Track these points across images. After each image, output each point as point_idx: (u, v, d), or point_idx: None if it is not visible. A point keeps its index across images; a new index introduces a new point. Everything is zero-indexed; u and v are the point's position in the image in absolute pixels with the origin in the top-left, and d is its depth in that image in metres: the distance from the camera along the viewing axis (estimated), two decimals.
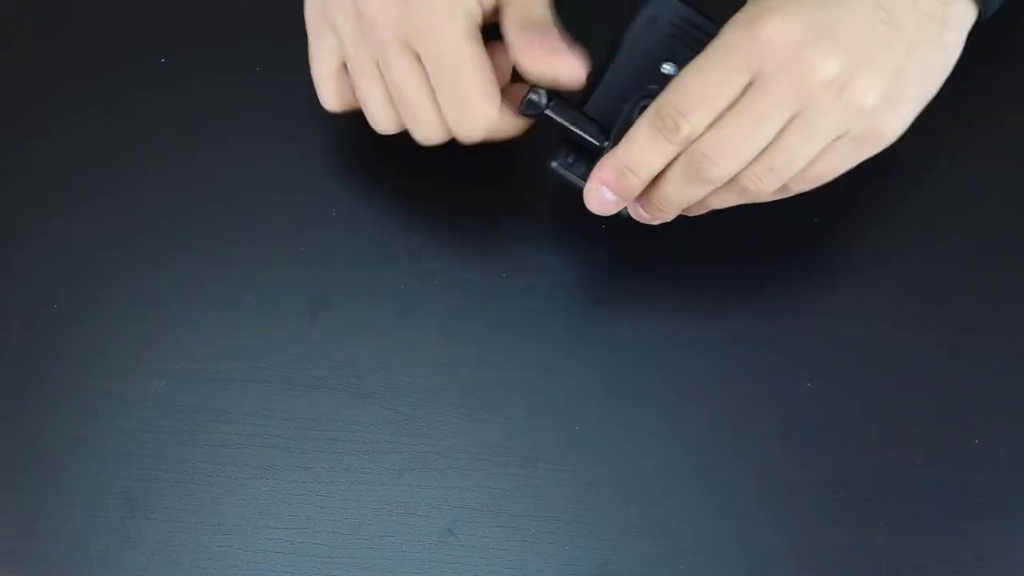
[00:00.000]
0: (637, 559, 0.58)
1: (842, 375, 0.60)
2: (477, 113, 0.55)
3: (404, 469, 0.59)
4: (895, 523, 0.58)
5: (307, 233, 0.63)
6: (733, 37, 0.51)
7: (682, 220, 0.57)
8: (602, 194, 0.55)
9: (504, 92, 0.56)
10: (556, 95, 0.55)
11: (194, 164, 0.65)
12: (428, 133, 0.57)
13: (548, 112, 0.55)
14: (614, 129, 0.55)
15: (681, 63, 0.54)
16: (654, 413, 0.60)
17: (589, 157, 0.56)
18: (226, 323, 0.62)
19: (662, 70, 0.56)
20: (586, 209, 0.57)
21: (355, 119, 0.63)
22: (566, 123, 0.55)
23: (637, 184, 0.54)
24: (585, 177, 0.56)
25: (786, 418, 0.59)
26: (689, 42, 0.56)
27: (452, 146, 0.61)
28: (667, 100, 0.52)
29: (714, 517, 0.58)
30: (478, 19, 0.55)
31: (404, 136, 0.63)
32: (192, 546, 0.59)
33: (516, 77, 0.57)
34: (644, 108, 0.54)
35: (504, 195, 0.62)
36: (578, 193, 0.56)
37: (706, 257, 0.62)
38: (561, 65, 0.55)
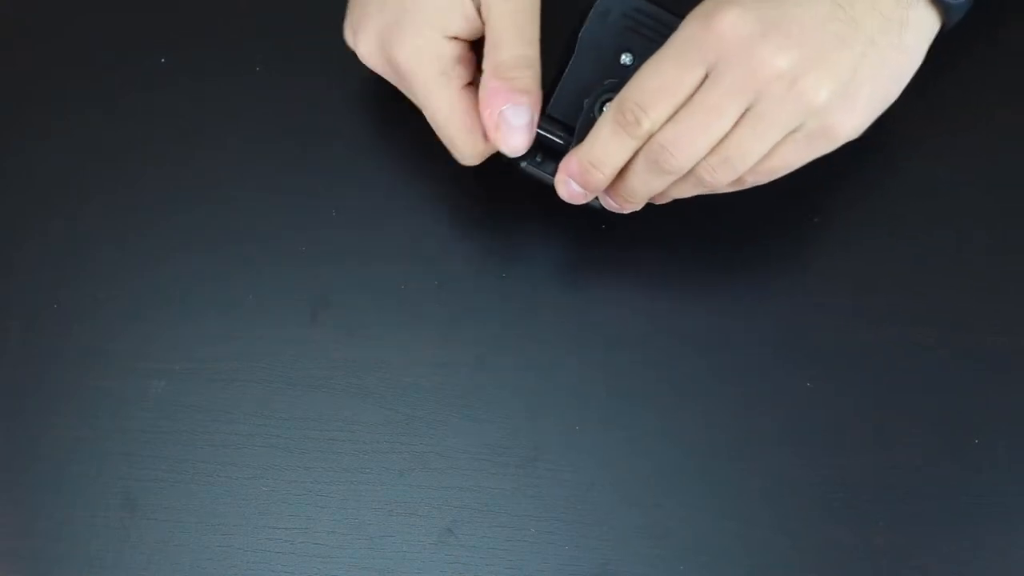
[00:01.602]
0: (637, 559, 0.58)
1: (842, 375, 0.60)
2: (464, 150, 0.57)
3: (404, 469, 0.59)
4: (895, 523, 0.58)
5: (307, 233, 0.63)
6: (690, 31, 0.52)
7: (682, 221, 0.57)
8: (570, 187, 0.56)
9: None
10: None
11: (194, 164, 0.65)
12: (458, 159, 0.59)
13: None
14: (577, 125, 0.56)
15: (638, 53, 0.56)
16: (654, 413, 0.60)
17: (556, 155, 0.57)
18: (226, 323, 0.62)
19: (621, 61, 0.57)
20: (586, 209, 0.57)
21: (355, 119, 0.64)
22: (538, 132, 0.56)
23: (602, 178, 0.55)
24: (554, 173, 0.57)
25: (786, 418, 0.59)
26: (645, 31, 0.57)
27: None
28: (628, 95, 0.53)
29: (715, 517, 0.58)
30: (449, 55, 0.56)
31: (402, 137, 0.64)
32: (192, 546, 0.59)
33: None
34: (604, 103, 0.55)
35: (504, 195, 0.62)
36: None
37: (706, 257, 0.62)
38: (501, 141, 0.56)
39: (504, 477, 0.59)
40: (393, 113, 0.65)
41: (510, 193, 0.61)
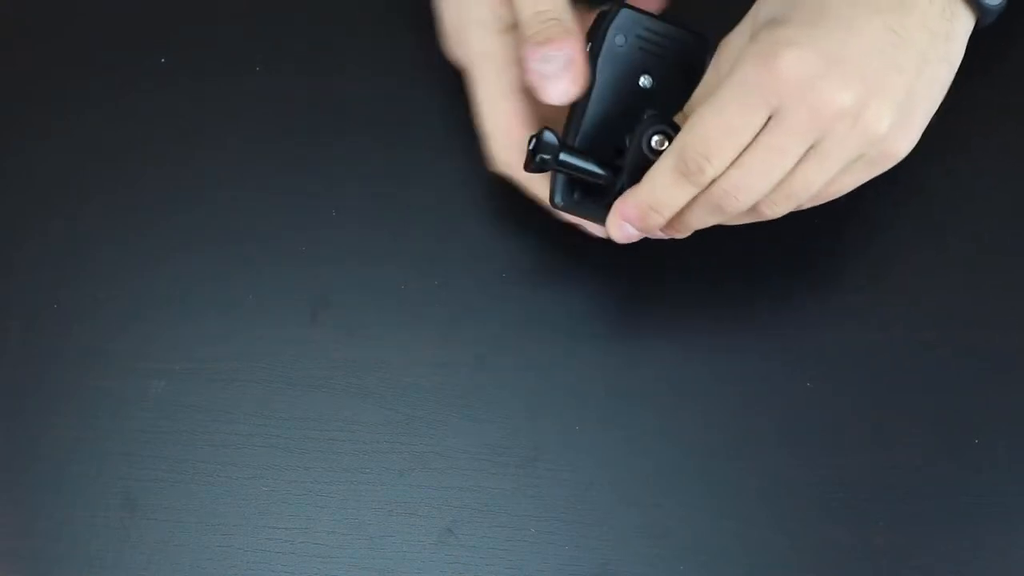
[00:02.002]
0: (637, 559, 0.58)
1: (842, 375, 0.60)
2: (494, 151, 0.58)
3: (404, 469, 0.59)
4: (895, 523, 0.58)
5: (307, 233, 0.63)
6: (749, 73, 0.51)
7: None
8: (626, 230, 0.55)
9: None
10: (559, 143, 0.54)
11: (194, 164, 0.65)
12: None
13: (557, 167, 0.55)
14: (626, 164, 0.55)
15: (657, 75, 0.55)
16: (654, 413, 0.60)
17: (596, 192, 0.56)
18: (226, 323, 0.62)
19: (640, 84, 0.56)
20: None
21: (355, 119, 0.64)
22: (574, 171, 0.55)
23: (661, 221, 0.54)
24: (594, 212, 0.56)
25: (786, 418, 0.59)
26: (659, 51, 0.56)
27: (451, 147, 0.61)
28: (689, 144, 0.52)
29: (714, 517, 0.58)
30: (505, 52, 0.57)
31: (403, 137, 0.64)
32: (192, 546, 0.59)
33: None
34: (652, 135, 0.54)
35: (504, 195, 0.62)
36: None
37: (706, 257, 0.61)
38: (545, 95, 0.55)
39: (504, 477, 0.59)
40: (394, 113, 0.65)
41: (510, 193, 0.61)
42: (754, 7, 0.55)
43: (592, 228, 0.59)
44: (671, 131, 0.54)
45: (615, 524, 0.58)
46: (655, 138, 0.54)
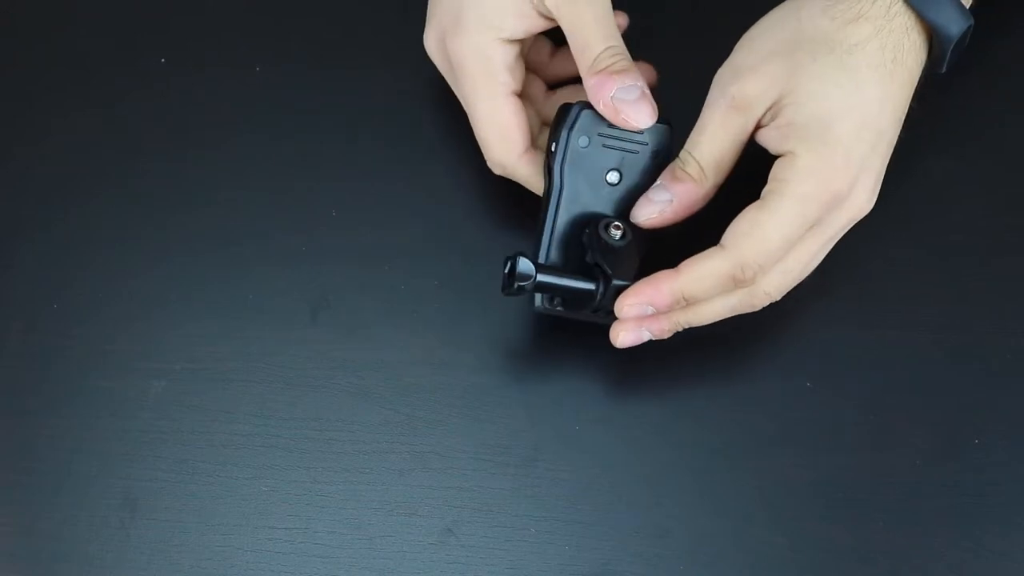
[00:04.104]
0: (637, 559, 0.58)
1: (842, 375, 0.60)
2: (494, 155, 0.59)
3: (404, 469, 0.59)
4: (895, 523, 0.58)
5: (307, 233, 0.63)
6: (811, 192, 0.54)
7: (682, 224, 0.57)
8: (639, 334, 0.56)
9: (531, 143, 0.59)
10: (535, 267, 0.54)
11: (194, 164, 0.65)
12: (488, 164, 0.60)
13: (536, 290, 0.56)
14: (606, 262, 0.55)
15: (624, 169, 0.57)
16: (654, 413, 0.60)
17: (578, 299, 0.56)
18: (226, 323, 0.62)
19: (608, 181, 0.57)
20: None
21: (355, 119, 0.64)
22: (555, 291, 0.56)
23: (683, 306, 0.56)
24: (576, 313, 0.57)
25: (786, 418, 0.59)
26: (624, 146, 0.57)
27: (451, 147, 0.61)
28: (751, 255, 0.54)
29: (714, 517, 0.58)
30: (500, 59, 0.57)
31: (403, 137, 0.63)
32: (192, 546, 0.59)
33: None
34: (607, 226, 0.56)
35: (505, 195, 0.62)
36: None
37: None
38: (628, 121, 0.56)
39: (504, 477, 0.59)
40: (394, 113, 0.65)
41: (511, 193, 0.61)
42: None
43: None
44: (624, 224, 0.56)
45: (615, 524, 0.58)
46: (612, 230, 0.56)
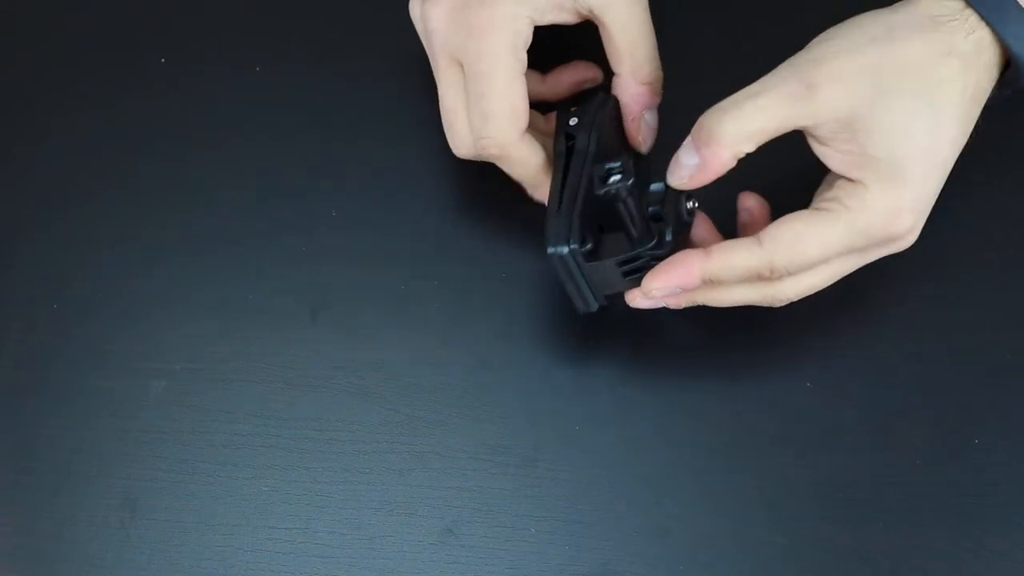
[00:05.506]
0: (637, 559, 0.58)
1: (842, 375, 0.60)
2: (496, 130, 0.57)
3: (404, 469, 0.59)
4: (895, 523, 0.58)
5: (307, 233, 0.63)
6: (868, 228, 0.53)
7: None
8: (666, 291, 0.56)
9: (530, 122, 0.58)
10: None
11: (194, 164, 0.65)
12: (457, 144, 0.59)
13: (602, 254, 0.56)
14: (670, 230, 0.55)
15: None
16: (654, 413, 0.60)
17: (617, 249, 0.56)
18: (226, 323, 0.62)
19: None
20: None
21: (355, 119, 0.64)
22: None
23: (704, 289, 0.56)
24: (589, 273, 0.56)
25: (786, 418, 0.59)
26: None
27: (451, 147, 0.61)
28: (785, 262, 0.54)
29: (714, 517, 0.58)
30: (524, 37, 0.56)
31: (403, 137, 0.63)
32: (192, 546, 0.59)
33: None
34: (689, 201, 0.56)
35: (504, 195, 0.62)
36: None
37: None
38: (642, 142, 0.60)
39: (504, 477, 0.59)
40: (394, 113, 0.65)
41: (510, 193, 0.61)
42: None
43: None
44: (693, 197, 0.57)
45: (615, 524, 0.58)
46: (690, 203, 0.57)
